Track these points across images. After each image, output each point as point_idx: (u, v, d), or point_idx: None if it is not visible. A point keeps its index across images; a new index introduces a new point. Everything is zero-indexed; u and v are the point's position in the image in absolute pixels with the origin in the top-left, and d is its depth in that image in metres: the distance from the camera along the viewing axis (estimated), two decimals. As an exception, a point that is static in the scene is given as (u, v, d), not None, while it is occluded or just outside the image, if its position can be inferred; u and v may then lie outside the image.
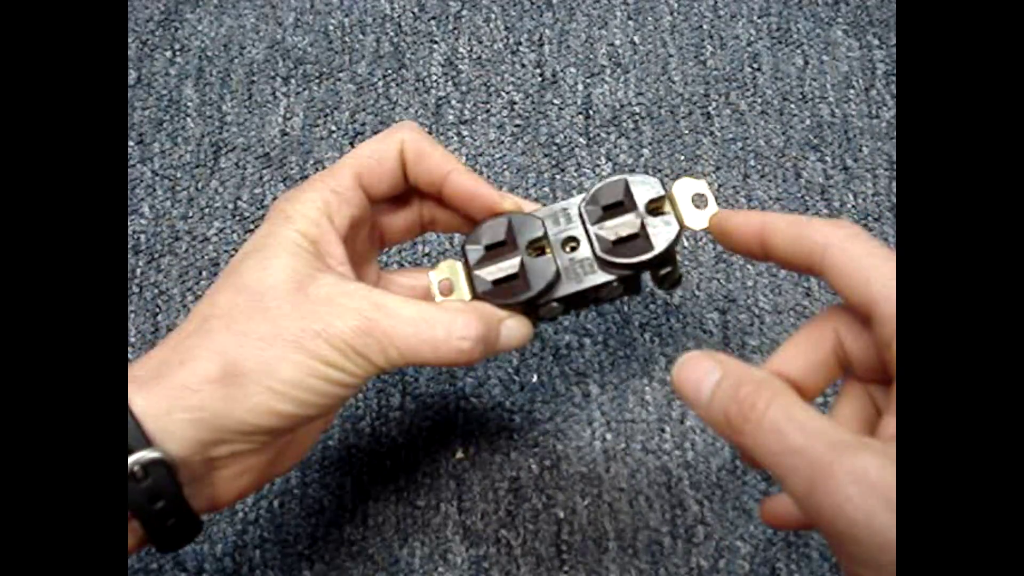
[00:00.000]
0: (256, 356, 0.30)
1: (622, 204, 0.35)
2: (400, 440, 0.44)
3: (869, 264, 0.27)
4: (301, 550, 0.41)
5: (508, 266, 0.34)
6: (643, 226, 0.34)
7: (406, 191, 0.37)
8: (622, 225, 0.34)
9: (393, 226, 0.38)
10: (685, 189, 0.34)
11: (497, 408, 0.44)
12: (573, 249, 0.35)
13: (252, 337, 0.30)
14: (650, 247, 0.34)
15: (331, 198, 0.33)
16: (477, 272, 0.35)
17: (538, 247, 0.35)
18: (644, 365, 0.45)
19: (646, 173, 0.38)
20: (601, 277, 0.34)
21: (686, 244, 0.48)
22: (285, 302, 0.31)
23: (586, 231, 0.35)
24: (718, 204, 0.34)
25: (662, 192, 0.35)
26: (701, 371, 0.28)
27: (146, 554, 0.41)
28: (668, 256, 0.34)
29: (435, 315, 0.31)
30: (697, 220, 0.34)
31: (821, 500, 0.23)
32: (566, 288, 0.34)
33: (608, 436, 0.43)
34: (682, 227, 0.34)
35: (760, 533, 0.41)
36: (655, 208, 0.34)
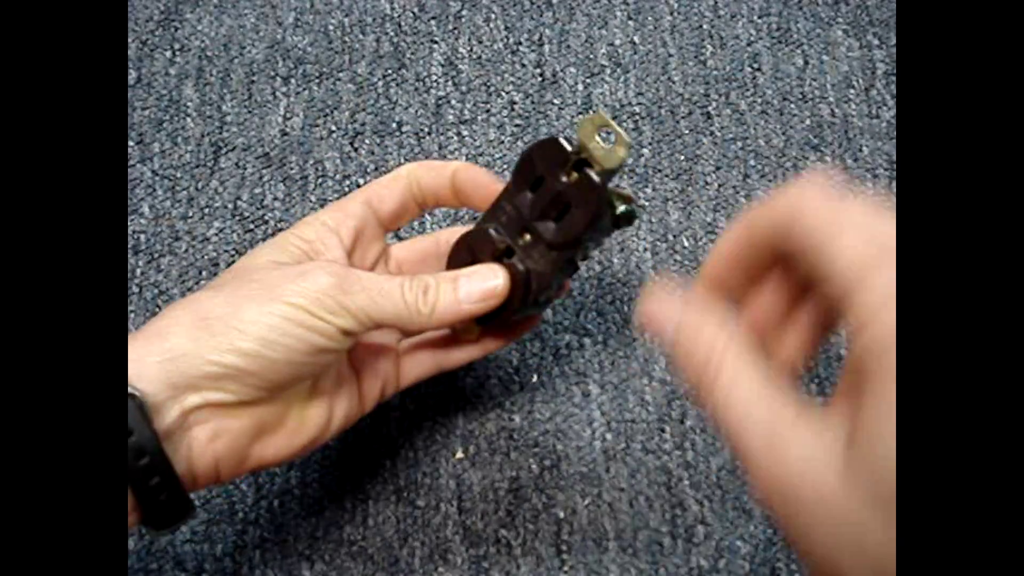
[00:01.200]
0: (225, 303, 0.32)
1: (542, 179, 0.35)
2: (400, 440, 0.44)
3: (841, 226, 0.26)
4: (301, 550, 0.41)
5: None
6: (569, 194, 0.34)
7: (418, 217, 0.40)
8: (551, 203, 0.35)
9: (410, 257, 0.40)
10: (589, 130, 0.33)
11: (497, 408, 0.44)
12: (531, 235, 0.36)
13: (225, 292, 0.32)
14: (585, 214, 0.34)
15: (338, 214, 0.37)
16: None
17: (501, 251, 0.36)
18: (644, 365, 0.45)
19: (621, 168, 0.38)
20: (565, 253, 0.35)
21: (685, 244, 0.48)
22: (266, 271, 0.33)
23: (528, 221, 0.35)
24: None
25: (569, 149, 0.34)
26: (663, 317, 0.27)
27: (147, 554, 0.41)
28: (604, 207, 0.34)
29: (399, 276, 0.34)
30: (612, 156, 0.33)
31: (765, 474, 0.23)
32: (543, 279, 0.36)
33: (608, 436, 0.43)
34: (603, 175, 0.33)
35: (760, 533, 0.41)
36: (573, 164, 0.34)
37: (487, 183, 0.37)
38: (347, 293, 0.32)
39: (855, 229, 0.25)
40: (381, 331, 0.36)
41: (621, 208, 0.35)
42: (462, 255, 0.37)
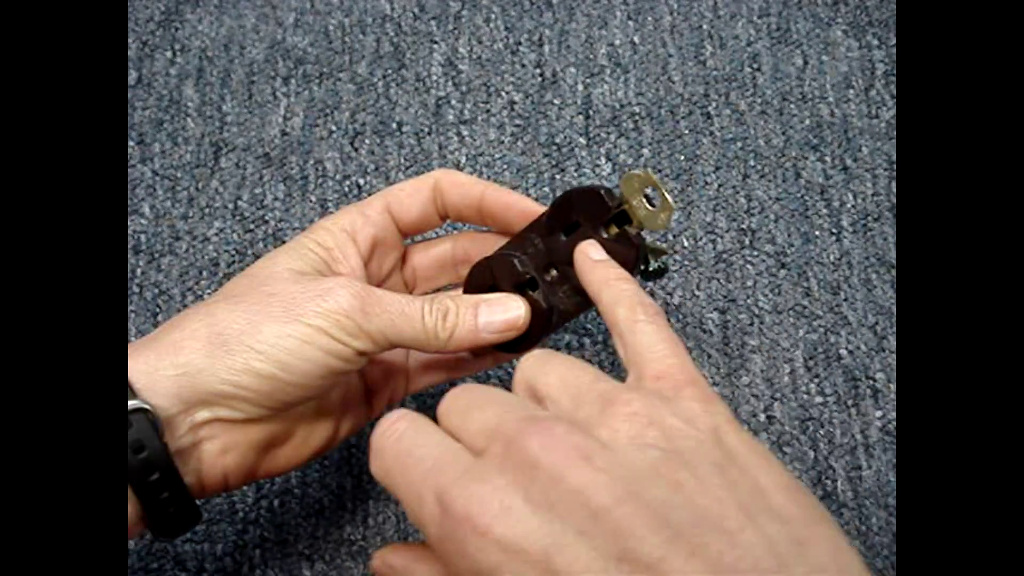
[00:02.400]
0: (243, 319, 0.31)
1: (578, 224, 0.34)
2: (400, 440, 0.44)
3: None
4: (301, 549, 0.41)
5: None
6: (605, 248, 0.33)
7: (438, 227, 0.38)
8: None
9: (426, 263, 0.39)
10: (634, 187, 0.33)
11: (497, 408, 0.44)
12: (556, 272, 0.35)
13: (244, 306, 0.31)
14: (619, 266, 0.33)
15: (356, 219, 0.36)
16: None
17: (524, 282, 0.35)
18: (644, 365, 0.45)
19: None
20: (588, 301, 0.34)
21: (685, 244, 0.48)
22: (286, 283, 0.32)
23: (558, 261, 0.35)
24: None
25: (610, 204, 0.33)
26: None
27: (147, 554, 0.41)
28: (638, 266, 0.34)
29: (420, 298, 0.34)
30: (655, 219, 0.32)
31: None
32: (565, 316, 0.35)
33: (608, 436, 0.43)
34: (641, 235, 0.33)
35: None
36: (612, 218, 0.33)
37: (521, 209, 0.36)
38: (368, 316, 0.32)
39: None
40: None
41: (654, 265, 0.35)
42: (482, 279, 0.36)
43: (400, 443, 0.26)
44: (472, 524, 0.23)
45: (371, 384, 0.37)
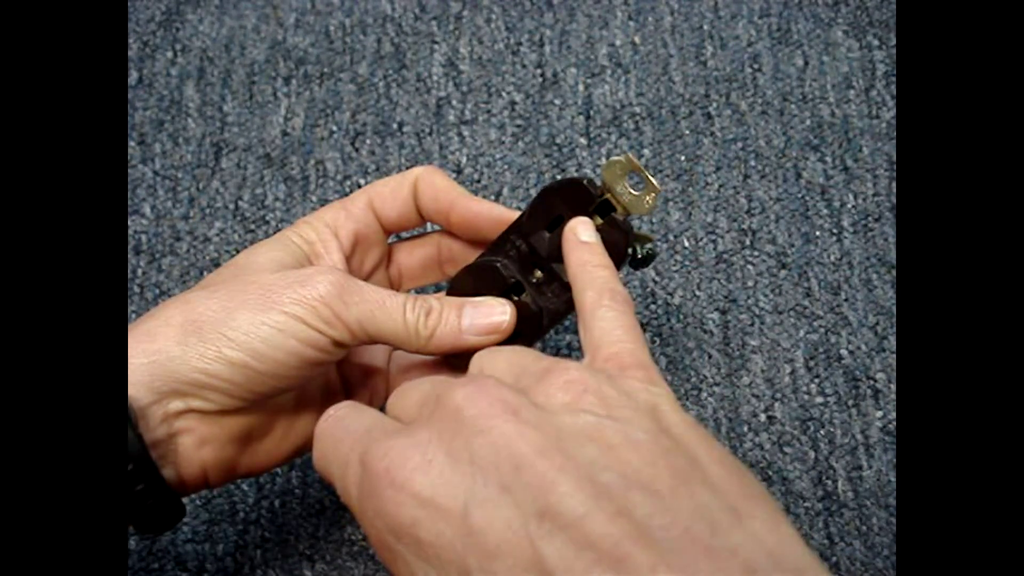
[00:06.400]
0: (219, 307, 0.30)
1: (563, 218, 0.33)
2: (401, 440, 0.44)
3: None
4: (302, 550, 0.41)
5: None
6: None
7: (423, 226, 0.38)
8: None
9: (411, 262, 0.38)
10: (616, 173, 0.32)
11: (498, 408, 0.44)
12: (542, 271, 0.34)
13: (220, 294, 0.31)
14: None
15: (339, 214, 0.35)
16: None
17: (509, 287, 0.35)
18: (645, 365, 0.45)
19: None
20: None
21: (686, 244, 0.48)
22: (265, 272, 0.32)
23: (543, 260, 0.34)
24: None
25: (593, 195, 0.33)
26: None
27: (147, 554, 0.41)
28: (626, 253, 0.33)
29: (403, 294, 0.33)
30: (641, 204, 0.32)
31: None
32: (556, 317, 0.34)
33: (609, 436, 0.43)
34: (627, 221, 0.33)
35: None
36: (597, 207, 0.33)
37: (494, 217, 0.35)
38: (346, 304, 0.31)
39: None
40: (374, 346, 0.35)
41: (641, 252, 0.34)
42: (466, 288, 0.35)
43: (338, 423, 0.27)
44: (390, 477, 0.22)
45: (350, 384, 0.37)
